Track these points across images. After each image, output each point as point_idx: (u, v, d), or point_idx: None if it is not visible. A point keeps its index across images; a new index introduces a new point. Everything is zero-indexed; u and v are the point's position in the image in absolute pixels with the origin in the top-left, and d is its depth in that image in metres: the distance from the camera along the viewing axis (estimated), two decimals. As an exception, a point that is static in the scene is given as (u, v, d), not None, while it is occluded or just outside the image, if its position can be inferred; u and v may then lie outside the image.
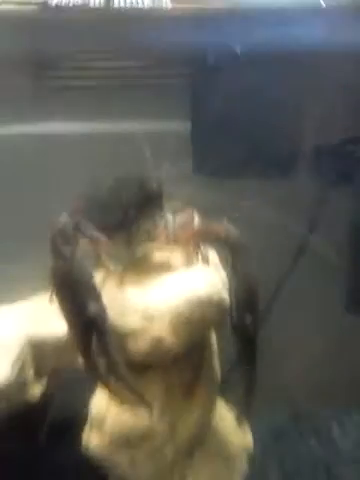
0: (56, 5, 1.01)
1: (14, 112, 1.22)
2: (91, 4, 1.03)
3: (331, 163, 1.25)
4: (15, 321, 1.01)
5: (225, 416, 1.11)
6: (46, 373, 0.98)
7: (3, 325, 1.00)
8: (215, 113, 1.18)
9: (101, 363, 0.82)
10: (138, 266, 1.00)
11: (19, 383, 0.94)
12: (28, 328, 0.99)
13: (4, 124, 1.26)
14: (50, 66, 1.18)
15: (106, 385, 0.83)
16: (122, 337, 0.87)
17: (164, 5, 0.99)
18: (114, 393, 0.84)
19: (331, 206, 1.29)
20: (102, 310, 0.81)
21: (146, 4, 1.01)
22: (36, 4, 1.04)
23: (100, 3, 1.01)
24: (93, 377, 0.84)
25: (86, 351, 0.81)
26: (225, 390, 1.06)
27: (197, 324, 0.91)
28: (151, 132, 1.11)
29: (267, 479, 1.10)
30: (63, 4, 1.02)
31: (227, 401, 1.11)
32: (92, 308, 0.80)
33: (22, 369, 0.94)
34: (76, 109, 1.22)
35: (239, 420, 1.01)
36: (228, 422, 1.11)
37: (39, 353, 0.97)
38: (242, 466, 1.08)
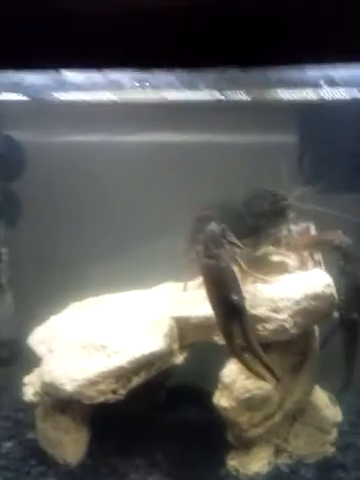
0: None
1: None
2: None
3: None
4: (164, 302, 1.27)
5: (320, 395, 1.32)
6: (186, 346, 1.22)
7: (157, 306, 1.26)
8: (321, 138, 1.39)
9: (238, 341, 1.05)
10: (257, 264, 1.23)
11: (167, 352, 1.18)
12: (175, 309, 1.23)
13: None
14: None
15: (241, 358, 1.07)
16: (253, 323, 1.10)
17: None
18: (247, 365, 1.07)
19: None
20: (243, 300, 1.04)
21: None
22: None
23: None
24: (231, 351, 1.07)
25: (227, 331, 1.05)
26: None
27: (312, 315, 1.14)
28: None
29: (356, 447, 1.30)
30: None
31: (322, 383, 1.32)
32: (236, 298, 1.03)
33: (170, 341, 1.19)
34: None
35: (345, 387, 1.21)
36: (323, 400, 1.33)
37: (183, 330, 1.21)
38: (332, 436, 1.29)
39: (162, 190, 1.61)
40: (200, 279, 1.33)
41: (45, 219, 1.66)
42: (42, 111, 1.46)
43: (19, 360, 1.70)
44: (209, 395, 1.15)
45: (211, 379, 1.16)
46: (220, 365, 1.16)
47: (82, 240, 1.64)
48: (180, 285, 1.37)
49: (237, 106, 1.37)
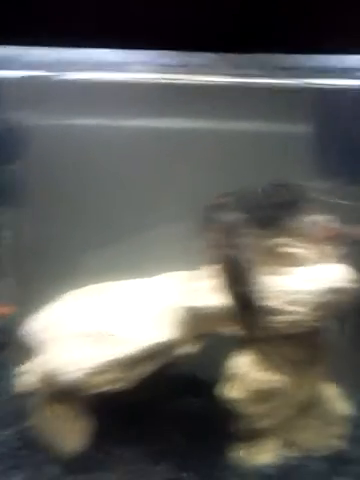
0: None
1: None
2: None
3: None
4: (172, 291, 1.22)
5: (330, 389, 1.29)
6: (193, 336, 1.17)
7: (164, 295, 1.22)
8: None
9: (255, 331, 1.03)
10: (273, 256, 1.19)
11: (174, 342, 1.14)
12: (184, 299, 1.18)
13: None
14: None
15: (256, 348, 1.04)
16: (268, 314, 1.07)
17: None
18: (262, 355, 1.05)
19: None
20: (260, 291, 1.02)
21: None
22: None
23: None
24: (247, 342, 1.04)
25: (245, 321, 1.03)
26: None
27: (331, 309, 1.11)
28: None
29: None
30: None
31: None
32: (254, 289, 1.00)
33: (181, 332, 1.15)
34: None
35: None
36: (332, 394, 1.30)
37: (190, 320, 1.16)
38: (340, 429, 1.28)
39: (165, 178, 1.57)
40: (209, 268, 1.31)
41: (43, 204, 1.61)
42: (43, 91, 1.40)
43: (12, 347, 1.67)
44: (208, 385, 1.12)
45: (209, 370, 1.13)
46: (218, 356, 1.13)
47: (80, 227, 1.60)
48: (184, 274, 1.32)
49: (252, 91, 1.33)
